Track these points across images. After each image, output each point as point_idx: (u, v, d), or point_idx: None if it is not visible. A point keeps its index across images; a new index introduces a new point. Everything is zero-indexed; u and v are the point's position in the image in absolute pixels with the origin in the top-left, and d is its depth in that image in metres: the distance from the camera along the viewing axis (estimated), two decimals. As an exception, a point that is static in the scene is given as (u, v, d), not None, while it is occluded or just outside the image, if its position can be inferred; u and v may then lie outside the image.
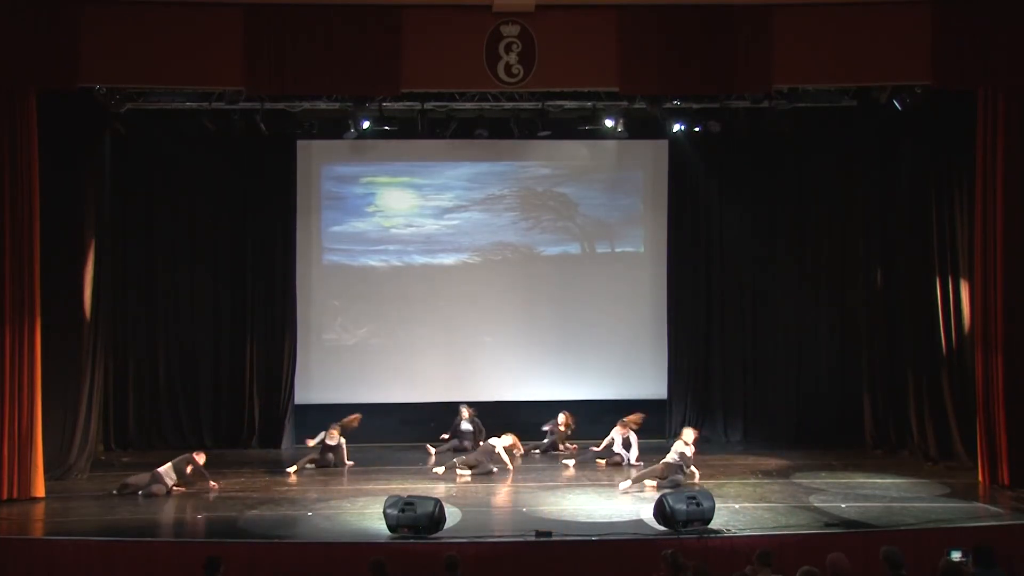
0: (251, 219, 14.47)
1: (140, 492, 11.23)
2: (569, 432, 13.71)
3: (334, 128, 13.63)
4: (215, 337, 14.43)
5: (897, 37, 11.32)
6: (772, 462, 12.94)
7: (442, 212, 14.86)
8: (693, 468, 11.69)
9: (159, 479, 11.37)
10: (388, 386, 13.91)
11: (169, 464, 11.55)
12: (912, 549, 8.59)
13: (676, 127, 13.90)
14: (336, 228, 14.83)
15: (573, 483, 11.96)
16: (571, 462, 12.90)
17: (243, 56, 11.08)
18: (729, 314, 14.88)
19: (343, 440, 12.83)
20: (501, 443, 12.56)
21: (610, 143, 14.60)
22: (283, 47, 11.08)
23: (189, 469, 11.58)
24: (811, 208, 14.64)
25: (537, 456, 13.52)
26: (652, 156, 14.97)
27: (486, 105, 13.26)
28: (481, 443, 13.10)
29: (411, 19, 11.16)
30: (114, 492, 11.25)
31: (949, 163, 12.87)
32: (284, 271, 14.53)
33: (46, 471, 11.28)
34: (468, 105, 13.23)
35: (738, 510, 10.33)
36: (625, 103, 13.03)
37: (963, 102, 11.79)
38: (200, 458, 11.75)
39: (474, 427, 13.72)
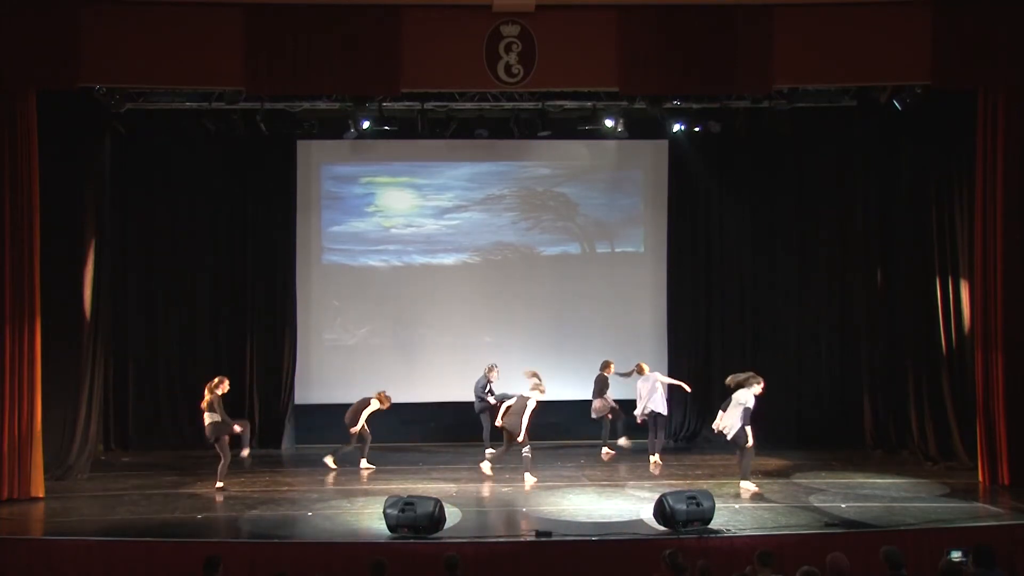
0: (251, 219, 14.46)
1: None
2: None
3: (334, 128, 13.63)
4: (215, 337, 14.43)
5: (897, 37, 11.33)
6: (772, 462, 12.92)
7: (442, 212, 14.86)
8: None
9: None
10: (388, 386, 13.85)
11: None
12: (912, 549, 8.62)
13: (676, 127, 13.91)
14: (336, 228, 14.83)
15: (573, 483, 11.96)
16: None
17: (243, 56, 11.08)
18: (729, 314, 14.88)
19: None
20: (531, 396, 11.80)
21: (610, 143, 14.60)
22: (283, 47, 11.08)
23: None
24: (811, 208, 14.64)
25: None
26: (652, 156, 14.97)
27: (486, 105, 13.25)
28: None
29: (411, 19, 11.16)
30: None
31: (949, 163, 12.88)
32: (284, 271, 14.53)
33: (46, 471, 11.29)
34: (468, 105, 13.23)
35: (738, 510, 10.33)
36: (625, 103, 13.03)
37: (963, 102, 11.79)
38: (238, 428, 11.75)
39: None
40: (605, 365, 13.51)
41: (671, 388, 13.16)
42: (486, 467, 12.07)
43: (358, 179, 14.85)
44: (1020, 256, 11.32)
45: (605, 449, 13.55)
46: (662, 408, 12.91)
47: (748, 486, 11.16)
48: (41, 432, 11.20)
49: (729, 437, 11.26)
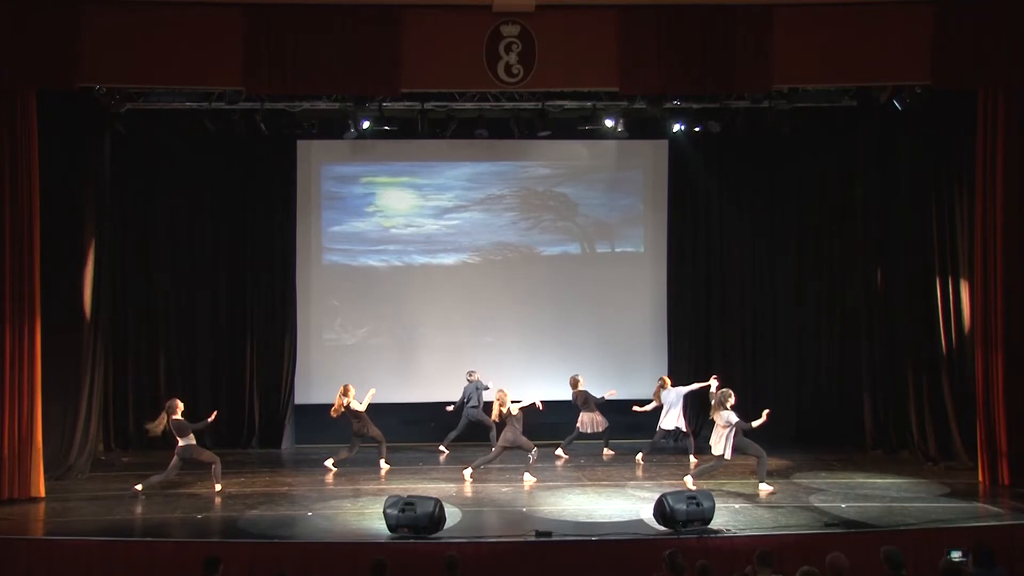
0: (251, 219, 14.47)
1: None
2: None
3: (334, 128, 13.65)
4: (215, 337, 14.44)
5: (897, 37, 11.33)
6: (772, 462, 12.86)
7: (442, 212, 14.86)
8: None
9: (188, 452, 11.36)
10: (388, 386, 13.90)
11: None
12: (912, 549, 8.60)
13: (676, 127, 13.92)
14: (336, 228, 14.83)
15: (573, 483, 11.96)
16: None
17: (243, 56, 11.08)
18: (729, 314, 14.89)
19: None
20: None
21: (610, 143, 14.61)
22: (282, 47, 11.09)
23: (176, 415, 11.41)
24: (811, 208, 14.65)
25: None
26: (652, 156, 14.98)
27: (486, 105, 13.26)
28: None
29: (411, 19, 11.17)
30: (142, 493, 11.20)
31: (949, 163, 12.87)
32: (284, 271, 14.54)
33: (46, 471, 11.28)
34: (468, 105, 13.24)
35: (738, 510, 10.34)
36: (625, 103, 13.04)
37: (963, 102, 11.79)
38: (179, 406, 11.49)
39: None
40: (575, 381, 13.53)
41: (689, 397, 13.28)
42: (467, 473, 12.04)
43: (358, 179, 14.86)
44: (1020, 256, 11.32)
45: (606, 450, 13.58)
46: (683, 425, 13.16)
47: (765, 487, 11.18)
48: (41, 432, 11.20)
49: (728, 457, 11.28)
